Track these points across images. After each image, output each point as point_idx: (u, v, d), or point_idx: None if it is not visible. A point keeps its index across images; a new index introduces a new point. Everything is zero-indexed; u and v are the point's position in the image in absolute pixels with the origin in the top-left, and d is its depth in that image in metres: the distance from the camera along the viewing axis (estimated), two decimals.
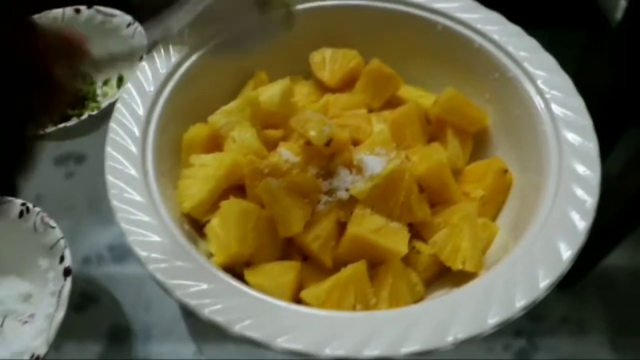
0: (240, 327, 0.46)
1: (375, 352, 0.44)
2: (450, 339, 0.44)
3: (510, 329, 0.68)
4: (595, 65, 0.97)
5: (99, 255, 0.76)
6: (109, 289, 0.72)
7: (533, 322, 0.69)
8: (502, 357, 0.67)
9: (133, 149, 0.59)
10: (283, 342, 0.45)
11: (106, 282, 0.73)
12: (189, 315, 0.47)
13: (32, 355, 0.56)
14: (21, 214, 0.66)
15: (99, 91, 0.88)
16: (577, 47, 0.99)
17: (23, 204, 0.66)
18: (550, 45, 0.65)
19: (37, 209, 0.65)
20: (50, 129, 0.72)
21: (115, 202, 0.54)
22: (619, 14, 0.96)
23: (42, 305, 0.64)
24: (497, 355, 0.67)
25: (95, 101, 0.86)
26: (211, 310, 0.47)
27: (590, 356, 0.67)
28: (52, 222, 0.64)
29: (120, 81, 0.87)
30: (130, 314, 0.70)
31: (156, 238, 0.52)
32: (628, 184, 0.77)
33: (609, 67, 0.95)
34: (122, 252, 0.75)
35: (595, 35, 1.02)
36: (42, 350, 0.56)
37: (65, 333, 0.58)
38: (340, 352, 0.44)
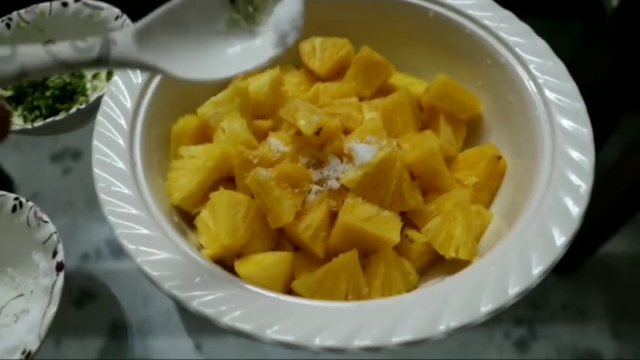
0: (230, 318, 0.45)
1: (366, 342, 0.43)
2: (442, 327, 0.44)
3: (510, 317, 0.68)
4: (592, 53, 0.97)
5: (97, 251, 0.76)
6: (107, 285, 0.72)
7: (533, 310, 0.69)
8: (502, 345, 0.67)
9: (121, 141, 0.58)
10: (273, 333, 0.44)
11: (104, 277, 0.73)
12: (184, 309, 0.46)
13: (24, 351, 0.56)
14: (14, 209, 0.65)
15: (88, 85, 0.87)
16: (574, 36, 0.99)
17: (16, 199, 0.65)
18: (547, 33, 0.65)
19: (30, 204, 0.65)
20: (39, 124, 0.72)
21: (102, 196, 0.54)
22: (615, 1, 0.95)
23: (35, 301, 0.64)
24: (497, 344, 0.67)
25: (85, 95, 0.85)
26: (200, 302, 0.46)
27: (590, 343, 0.67)
28: (45, 217, 0.63)
29: (110, 75, 0.86)
30: (129, 309, 0.70)
31: (144, 231, 0.52)
32: (626, 170, 0.77)
33: (605, 55, 0.95)
34: (119, 248, 0.73)
35: (592, 23, 1.01)
36: (33, 346, 0.56)
37: (65, 329, 0.58)
38: (331, 342, 0.44)
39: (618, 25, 0.98)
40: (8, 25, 0.84)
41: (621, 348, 0.66)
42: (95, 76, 0.87)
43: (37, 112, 0.82)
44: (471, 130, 0.68)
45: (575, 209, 0.50)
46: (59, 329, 0.56)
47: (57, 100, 0.83)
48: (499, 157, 0.62)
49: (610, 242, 0.74)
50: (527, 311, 0.69)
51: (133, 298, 0.71)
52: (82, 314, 0.70)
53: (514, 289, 0.46)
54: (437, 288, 0.48)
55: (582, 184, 0.52)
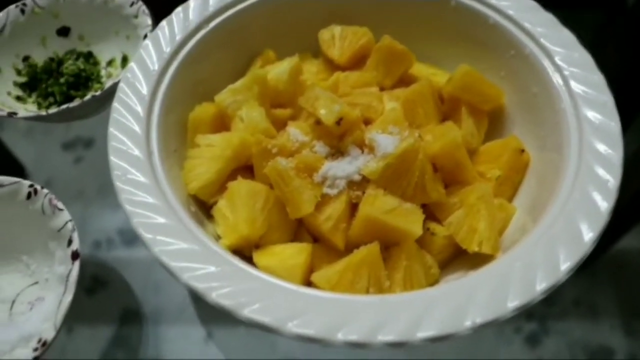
0: (249, 311, 0.44)
1: (390, 337, 0.42)
2: (468, 323, 0.43)
3: (522, 313, 0.67)
4: (611, 45, 0.95)
5: (109, 239, 0.75)
6: (119, 273, 0.72)
7: (545, 305, 0.69)
8: (513, 340, 0.67)
9: (137, 129, 0.57)
10: (294, 326, 0.43)
11: (116, 265, 0.73)
12: (198, 298, 0.46)
13: (40, 340, 0.55)
14: (29, 196, 0.65)
15: (103, 72, 0.86)
16: (592, 27, 0.98)
17: (31, 186, 0.65)
18: (564, 25, 0.63)
19: (45, 191, 0.64)
20: (53, 111, 0.71)
21: (119, 184, 0.53)
22: None
23: (50, 289, 0.64)
24: (508, 339, 0.67)
25: (100, 82, 0.84)
26: (219, 293, 0.45)
27: (603, 340, 0.66)
28: (60, 205, 0.63)
29: (125, 61, 0.85)
30: (141, 297, 0.70)
31: (162, 220, 0.51)
32: None
33: (624, 47, 0.94)
34: (132, 236, 0.75)
35: (611, 14, 1.00)
36: (49, 335, 0.55)
37: (77, 316, 0.58)
38: (354, 337, 0.43)
39: (638, 16, 0.97)
40: (22, 11, 0.83)
41: (634, 345, 0.66)
42: (110, 63, 0.87)
43: (51, 99, 0.82)
44: (493, 122, 0.66)
45: (604, 204, 0.49)
46: (71, 316, 0.56)
47: (72, 87, 0.82)
48: (522, 150, 0.61)
49: (624, 238, 0.73)
50: (539, 306, 0.67)
51: (145, 286, 0.71)
52: (94, 301, 0.70)
53: (541, 285, 0.45)
54: (461, 282, 0.47)
55: (611, 178, 0.51)
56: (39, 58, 0.85)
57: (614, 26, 0.99)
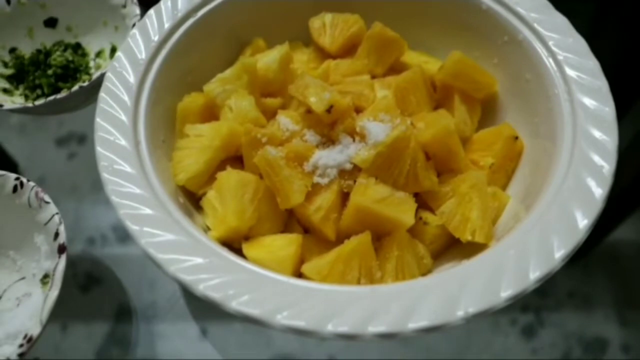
0: (238, 303, 0.43)
1: (381, 328, 0.42)
2: (460, 313, 0.42)
3: (517, 304, 0.67)
4: (604, 35, 0.95)
5: (103, 236, 0.75)
6: (113, 270, 0.72)
7: (540, 297, 0.68)
8: (508, 332, 0.66)
9: (124, 118, 0.56)
10: (283, 318, 0.42)
11: (111, 262, 0.72)
12: (192, 295, 0.45)
13: (26, 336, 0.54)
14: (15, 189, 0.63)
15: (92, 63, 0.85)
16: (585, 17, 0.97)
17: (17, 179, 0.64)
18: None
19: (32, 184, 0.63)
20: (40, 102, 0.70)
21: (105, 175, 0.52)
22: None
23: (37, 284, 0.63)
24: (504, 331, 0.66)
25: (88, 74, 0.83)
26: (207, 285, 0.44)
27: (597, 330, 0.66)
28: (46, 197, 0.62)
29: (114, 52, 0.84)
30: (135, 294, 0.70)
31: (149, 211, 0.50)
32: (638, 157, 0.75)
33: (618, 36, 0.93)
34: (126, 233, 0.74)
35: (604, 4, 0.99)
36: (35, 331, 0.54)
37: (71, 313, 0.57)
38: (344, 329, 0.42)
39: (631, 5, 0.96)
40: (8, 2, 0.82)
41: (628, 335, 0.66)
42: (98, 54, 0.85)
43: (39, 91, 0.81)
44: (486, 110, 0.65)
45: (599, 190, 0.48)
46: (65, 313, 0.55)
47: (60, 78, 0.81)
48: (516, 137, 0.60)
49: (617, 229, 0.73)
50: (534, 298, 0.68)
51: (139, 283, 0.70)
52: (88, 298, 0.70)
53: (535, 274, 0.44)
54: (454, 272, 0.46)
55: (605, 164, 0.50)
56: (26, 50, 0.84)
57: (608, 15, 0.98)
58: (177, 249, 0.47)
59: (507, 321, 0.67)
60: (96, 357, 0.65)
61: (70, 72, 0.82)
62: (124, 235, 0.74)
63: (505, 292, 0.43)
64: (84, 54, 0.86)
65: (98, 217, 0.76)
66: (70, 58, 0.83)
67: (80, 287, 0.70)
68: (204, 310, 0.68)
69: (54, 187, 0.79)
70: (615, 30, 0.96)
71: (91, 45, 0.86)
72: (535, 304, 0.68)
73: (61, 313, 0.55)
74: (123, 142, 0.54)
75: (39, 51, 0.84)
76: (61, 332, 0.66)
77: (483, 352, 0.65)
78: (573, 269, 0.69)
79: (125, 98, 0.58)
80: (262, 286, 0.45)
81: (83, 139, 0.85)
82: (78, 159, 0.84)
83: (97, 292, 0.70)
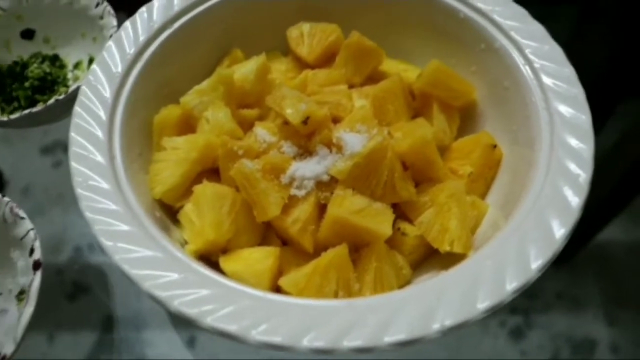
0: (213, 319, 0.43)
1: (357, 343, 0.41)
2: (436, 326, 0.42)
3: (506, 306, 0.66)
4: (588, 39, 0.95)
5: (90, 244, 0.74)
6: (100, 278, 0.71)
7: (528, 298, 0.68)
8: (497, 334, 0.66)
9: (99, 133, 0.56)
10: (258, 334, 0.42)
11: (98, 271, 0.72)
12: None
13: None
14: None
15: (70, 75, 0.84)
16: (568, 21, 0.98)
17: None
18: (540, 19, 0.63)
19: (6, 199, 0.62)
20: (15, 116, 0.69)
21: (80, 190, 0.51)
22: None
23: (13, 300, 0.62)
24: (493, 332, 0.67)
25: (66, 85, 0.82)
26: (181, 301, 0.44)
27: (586, 331, 0.66)
28: (21, 213, 0.61)
29: (92, 63, 0.83)
30: (123, 303, 0.69)
31: (124, 227, 0.49)
32: (623, 157, 0.76)
33: (600, 40, 0.94)
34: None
35: (587, 8, 1.00)
36: (8, 349, 0.53)
37: (58, 323, 0.58)
38: (319, 344, 0.41)
39: (613, 9, 0.97)
40: None
41: (616, 335, 0.66)
42: (76, 66, 0.85)
43: (15, 104, 0.80)
44: (465, 118, 0.65)
45: (575, 199, 0.48)
46: (52, 322, 0.54)
47: (37, 91, 0.80)
48: (495, 146, 0.60)
49: (605, 229, 0.73)
50: (523, 300, 0.68)
51: (126, 292, 0.70)
52: (75, 307, 0.69)
53: (511, 285, 0.44)
54: (430, 284, 0.46)
55: (582, 172, 0.50)
56: (3, 62, 0.83)
57: (589, 19, 0.99)
58: (152, 264, 0.47)
59: (496, 323, 0.67)
60: None
61: (48, 84, 0.81)
62: None
63: (482, 304, 0.43)
64: (62, 66, 0.85)
65: (84, 226, 0.73)
66: (48, 70, 0.82)
67: (67, 295, 0.69)
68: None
69: (39, 195, 0.78)
70: (598, 34, 0.97)
71: (69, 56, 0.86)
72: (523, 305, 0.68)
73: (48, 322, 0.55)
74: (98, 158, 0.54)
75: (15, 63, 0.83)
76: (48, 341, 0.65)
77: (472, 353, 0.66)
78: (561, 270, 0.69)
79: (101, 112, 0.57)
80: (238, 301, 0.44)
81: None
82: (64, 168, 0.83)
83: (84, 301, 0.70)
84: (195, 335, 0.67)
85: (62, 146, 0.84)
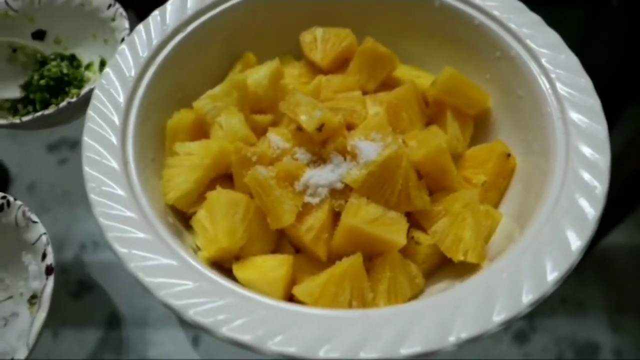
0: (228, 329, 0.43)
1: (373, 355, 0.41)
2: (452, 338, 0.42)
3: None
4: (595, 43, 0.95)
5: (95, 242, 0.74)
6: (105, 276, 0.71)
7: None
8: (501, 337, 0.66)
9: (113, 139, 0.56)
10: (274, 345, 0.42)
11: (102, 269, 0.72)
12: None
13: None
14: (2, 208, 0.63)
15: (84, 75, 0.84)
16: (575, 26, 0.97)
17: (3, 197, 0.63)
18: (547, 23, 0.62)
19: (19, 203, 0.62)
20: (27, 118, 0.69)
21: (93, 196, 0.51)
22: None
23: (25, 304, 0.62)
24: (497, 336, 0.66)
25: (78, 87, 0.82)
26: (197, 311, 0.44)
27: (589, 335, 0.66)
28: (34, 217, 0.61)
29: (103, 65, 0.83)
30: (127, 301, 0.69)
31: (138, 234, 0.49)
32: (628, 163, 0.75)
33: (608, 45, 0.94)
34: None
35: (594, 12, 1.00)
36: (21, 355, 0.53)
37: (63, 320, 0.58)
38: (335, 355, 0.41)
39: (621, 14, 0.97)
40: None
41: (619, 340, 0.66)
42: (87, 67, 0.85)
43: (30, 107, 0.79)
44: (478, 126, 0.65)
45: (591, 212, 0.48)
46: (57, 320, 0.54)
47: (51, 90, 0.80)
48: (509, 155, 0.60)
49: (610, 235, 0.73)
50: None
51: (131, 290, 0.69)
52: (80, 305, 0.69)
53: (527, 297, 0.44)
54: (446, 295, 0.45)
55: (598, 184, 0.49)
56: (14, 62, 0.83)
57: (598, 24, 0.98)
58: (167, 272, 0.46)
59: None
60: None
61: (64, 84, 0.81)
62: None
63: (499, 317, 0.43)
64: (78, 66, 0.85)
65: (90, 223, 0.75)
66: (65, 70, 0.82)
67: (72, 293, 0.69)
68: None
69: (45, 193, 0.78)
70: (606, 38, 0.97)
71: (80, 58, 0.86)
72: None
73: (52, 320, 0.54)
74: (111, 163, 0.54)
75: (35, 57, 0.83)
76: (52, 339, 0.65)
77: (476, 356, 0.65)
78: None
79: (114, 117, 0.57)
80: (253, 311, 0.44)
81: (75, 145, 0.84)
82: (70, 165, 0.83)
83: (89, 299, 0.70)
84: (199, 334, 0.67)
85: (68, 144, 0.84)
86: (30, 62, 0.82)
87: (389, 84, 0.67)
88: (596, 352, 0.65)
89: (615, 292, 0.69)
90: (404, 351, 0.41)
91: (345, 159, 0.56)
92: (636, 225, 0.74)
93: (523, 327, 0.66)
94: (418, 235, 0.55)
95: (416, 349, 0.41)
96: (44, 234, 0.59)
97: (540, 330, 0.66)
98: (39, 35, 0.85)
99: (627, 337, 0.66)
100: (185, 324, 0.67)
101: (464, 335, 0.42)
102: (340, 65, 0.69)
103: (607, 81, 0.80)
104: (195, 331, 0.67)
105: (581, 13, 0.99)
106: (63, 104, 0.70)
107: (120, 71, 0.61)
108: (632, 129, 0.81)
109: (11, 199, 0.62)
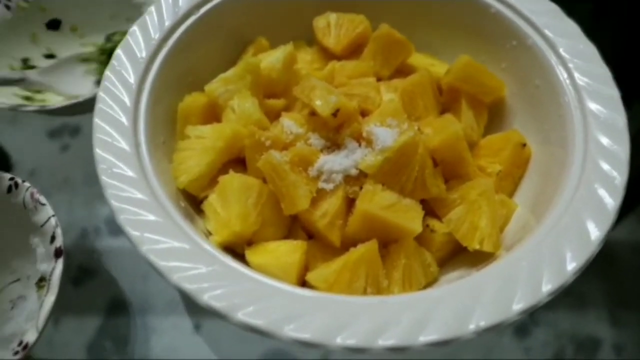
0: (243, 314, 0.42)
1: (391, 342, 0.40)
2: (472, 327, 0.41)
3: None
4: (602, 36, 0.95)
5: (96, 228, 0.73)
6: (106, 262, 0.71)
7: None
8: (502, 332, 0.66)
9: (124, 120, 0.55)
10: (290, 330, 0.41)
11: (104, 255, 0.71)
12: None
13: (21, 343, 0.53)
14: (9, 189, 0.62)
15: None
16: (583, 18, 0.96)
17: (11, 179, 0.62)
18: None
19: (27, 184, 0.61)
20: (59, 105, 0.68)
21: (104, 178, 0.50)
22: None
23: (32, 287, 0.61)
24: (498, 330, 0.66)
25: None
26: (211, 295, 0.43)
27: (590, 330, 0.66)
28: (42, 199, 0.60)
29: None
30: (128, 287, 0.69)
31: (150, 216, 0.48)
32: (634, 158, 0.75)
33: (616, 39, 0.93)
34: (118, 226, 0.73)
35: (601, 6, 0.99)
36: (31, 337, 0.52)
37: (64, 307, 0.56)
38: (352, 342, 0.41)
39: (630, 8, 0.96)
40: (8, 7, 0.80)
41: (620, 335, 0.66)
42: None
43: None
44: (493, 115, 0.64)
45: (611, 202, 0.47)
46: (57, 307, 0.53)
47: None
48: (524, 144, 0.59)
49: (612, 229, 0.73)
50: None
51: (132, 276, 0.69)
52: (81, 292, 0.69)
53: (547, 287, 0.43)
54: (465, 283, 0.45)
55: (617, 175, 0.49)
56: (30, 55, 0.81)
57: (605, 17, 0.98)
58: (180, 256, 0.46)
59: None
60: (89, 351, 0.64)
61: None
62: (116, 228, 0.71)
63: (518, 305, 0.42)
64: None
65: (91, 210, 0.75)
66: None
67: (73, 280, 0.69)
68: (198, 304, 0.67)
69: (46, 179, 0.78)
70: (614, 31, 0.96)
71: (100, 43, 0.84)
72: None
73: (53, 306, 0.54)
74: (123, 144, 0.53)
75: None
76: (53, 326, 0.65)
77: (477, 350, 0.65)
78: None
79: (125, 98, 0.56)
80: (267, 296, 0.44)
81: (76, 131, 0.83)
82: (71, 151, 0.82)
83: (90, 286, 0.69)
84: (201, 322, 0.66)
85: (69, 130, 0.84)
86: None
87: (403, 71, 0.66)
88: (597, 346, 0.65)
89: (617, 287, 0.69)
90: (423, 338, 0.40)
91: (359, 145, 0.55)
92: (638, 220, 0.73)
93: (525, 320, 0.66)
94: (433, 223, 0.55)
95: (435, 336, 0.41)
96: (53, 216, 0.58)
97: (542, 324, 0.66)
98: (54, 24, 0.83)
99: (628, 332, 0.66)
100: (188, 311, 0.67)
101: (483, 323, 0.41)
102: (353, 51, 0.68)
103: (615, 74, 0.80)
104: (197, 318, 0.66)
105: (589, 6, 0.98)
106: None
107: (131, 53, 0.60)
108: (635, 124, 0.81)
109: (19, 180, 0.61)
